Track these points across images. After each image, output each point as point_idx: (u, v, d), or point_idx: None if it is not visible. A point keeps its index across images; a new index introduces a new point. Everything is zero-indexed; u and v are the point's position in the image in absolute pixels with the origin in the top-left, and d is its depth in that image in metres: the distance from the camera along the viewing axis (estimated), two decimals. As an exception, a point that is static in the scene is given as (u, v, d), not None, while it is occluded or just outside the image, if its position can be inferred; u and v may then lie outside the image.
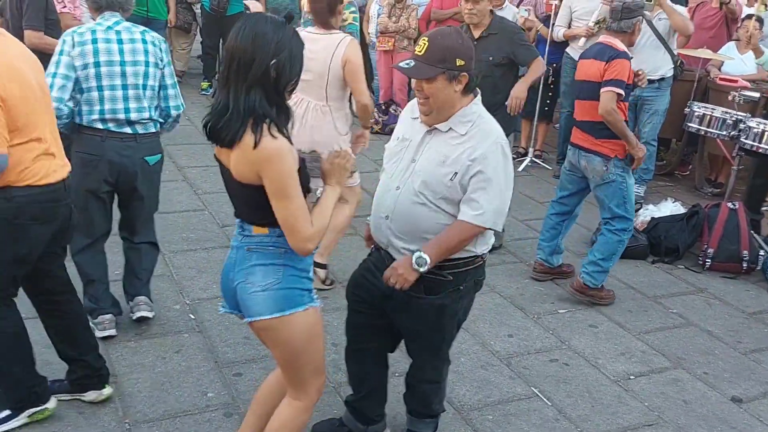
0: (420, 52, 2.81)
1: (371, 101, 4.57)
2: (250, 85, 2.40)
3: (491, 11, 5.15)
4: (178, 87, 4.05)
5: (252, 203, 2.53)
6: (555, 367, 4.15)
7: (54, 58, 3.66)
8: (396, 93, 8.73)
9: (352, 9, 7.03)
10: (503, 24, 5.15)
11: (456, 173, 2.83)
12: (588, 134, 4.75)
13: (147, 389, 3.58)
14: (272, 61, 2.40)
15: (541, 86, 7.47)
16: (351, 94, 4.58)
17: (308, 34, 4.42)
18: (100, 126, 3.74)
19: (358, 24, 7.24)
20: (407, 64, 2.85)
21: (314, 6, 4.46)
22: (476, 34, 5.03)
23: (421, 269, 2.83)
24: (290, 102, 4.21)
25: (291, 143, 2.47)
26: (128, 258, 4.16)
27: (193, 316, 4.26)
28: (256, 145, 2.37)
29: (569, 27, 7.28)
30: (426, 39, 2.83)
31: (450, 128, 2.89)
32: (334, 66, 4.37)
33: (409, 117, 3.07)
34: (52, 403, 3.32)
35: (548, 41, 7.50)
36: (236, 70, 2.41)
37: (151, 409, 3.45)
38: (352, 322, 3.24)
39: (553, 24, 7.44)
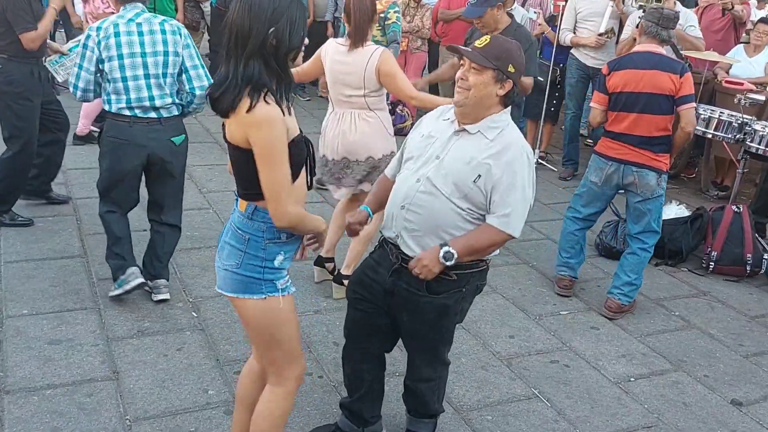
0: (480, 45, 2.91)
1: (419, 95, 4.44)
2: (248, 55, 2.42)
3: (509, 14, 5.11)
4: (202, 67, 4.27)
5: (240, 169, 2.58)
6: (555, 368, 4.15)
7: (79, 49, 4.09)
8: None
9: (396, 9, 7.05)
10: (518, 33, 4.95)
11: (480, 176, 2.87)
12: (644, 149, 4.63)
13: (148, 386, 3.61)
14: (270, 29, 2.41)
15: (547, 87, 7.47)
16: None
17: (340, 47, 4.37)
18: (127, 113, 4.08)
19: (400, 23, 7.27)
20: (467, 49, 2.96)
21: (356, 17, 4.28)
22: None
23: (447, 263, 2.85)
24: (330, 119, 4.16)
25: (286, 114, 2.48)
26: (153, 239, 4.44)
27: (195, 314, 4.29)
28: (249, 109, 2.40)
29: (574, 29, 7.27)
30: (489, 37, 2.95)
31: (479, 131, 2.93)
32: (369, 78, 4.30)
33: (437, 117, 3.11)
34: None
35: (555, 43, 7.50)
36: (234, 42, 2.43)
37: (152, 406, 3.47)
38: (352, 319, 3.24)
39: (560, 27, 7.43)
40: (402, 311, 3.07)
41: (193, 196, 6.04)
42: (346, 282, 4.61)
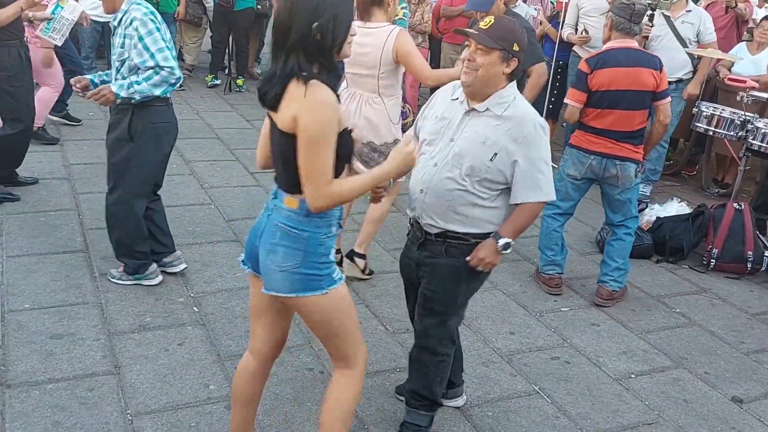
0: (484, 26, 2.98)
1: (433, 73, 4.61)
2: (290, 50, 2.45)
3: (505, 5, 5.14)
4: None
5: (288, 159, 2.53)
6: (556, 364, 4.16)
7: (154, 35, 4.02)
8: (407, 90, 8.73)
9: (403, 5, 7.06)
10: (517, 19, 5.07)
11: (496, 154, 2.99)
12: (625, 143, 4.67)
13: (149, 381, 3.61)
14: (314, 24, 2.43)
15: (549, 84, 7.46)
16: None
17: (359, 28, 4.39)
18: (167, 95, 4.22)
19: (407, 19, 7.28)
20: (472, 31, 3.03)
21: None
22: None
23: (507, 251, 3.05)
24: (342, 96, 4.31)
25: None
26: (154, 219, 4.54)
27: (197, 309, 4.29)
28: (305, 92, 2.41)
29: (577, 25, 7.26)
30: (492, 18, 3.02)
31: (487, 108, 3.03)
32: (385, 58, 4.41)
33: (449, 97, 3.19)
34: None
35: (557, 40, 7.49)
36: (279, 39, 2.48)
37: (153, 400, 3.48)
38: (408, 298, 3.50)
39: (562, 22, 7.43)
40: (423, 278, 3.22)
41: (194, 192, 6.05)
42: (357, 259, 4.83)
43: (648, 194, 6.92)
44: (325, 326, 2.73)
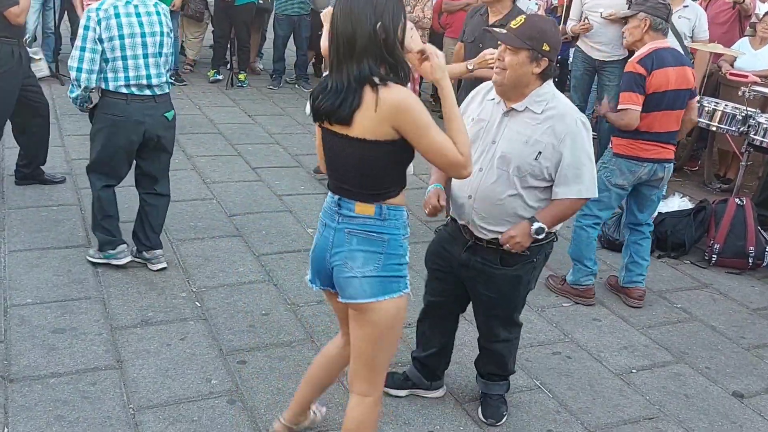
0: (515, 26, 2.99)
1: None
2: (359, 56, 2.44)
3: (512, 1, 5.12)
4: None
5: (372, 168, 2.54)
6: (557, 359, 4.16)
7: (80, 32, 4.17)
8: (411, 86, 8.71)
9: None
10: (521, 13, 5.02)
11: (540, 153, 3.01)
12: (671, 144, 4.62)
13: (152, 375, 3.62)
14: (378, 25, 2.42)
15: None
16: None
17: None
18: (124, 90, 4.26)
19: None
20: (501, 30, 3.07)
21: None
22: (492, 19, 4.87)
23: (539, 237, 3.05)
24: None
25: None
26: (146, 212, 4.61)
27: (198, 304, 4.30)
28: (377, 99, 2.41)
29: (581, 20, 7.24)
30: (524, 17, 3.04)
31: (526, 107, 3.04)
32: None
33: (484, 98, 3.21)
34: None
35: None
36: (344, 50, 2.46)
37: (156, 395, 3.49)
38: (432, 287, 3.50)
39: (565, 16, 7.41)
40: (477, 283, 3.25)
41: (196, 187, 6.06)
42: None
43: (663, 193, 6.85)
44: (382, 335, 2.66)
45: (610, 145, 4.76)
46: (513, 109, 3.05)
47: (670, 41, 6.56)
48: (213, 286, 4.52)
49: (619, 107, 4.56)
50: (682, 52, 4.91)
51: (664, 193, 4.82)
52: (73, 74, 4.19)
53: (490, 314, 3.36)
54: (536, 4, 7.94)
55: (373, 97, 2.42)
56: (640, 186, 4.73)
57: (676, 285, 5.31)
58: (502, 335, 3.41)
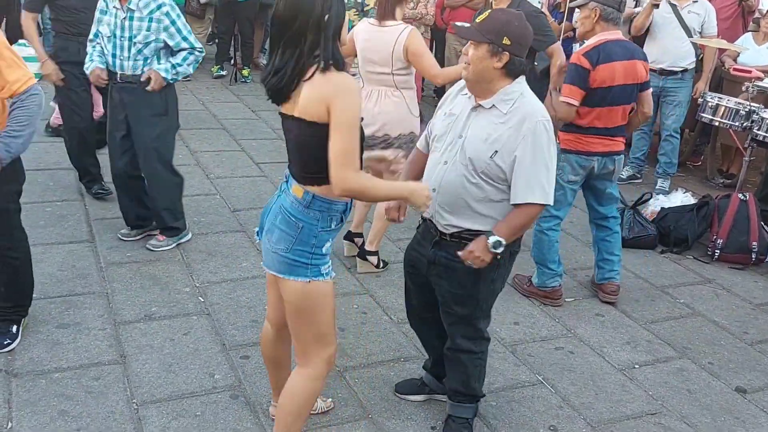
0: (479, 20, 2.97)
1: (442, 72, 4.66)
2: (299, 40, 2.48)
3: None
4: None
5: (307, 147, 2.59)
6: (560, 354, 4.17)
7: (183, 19, 4.53)
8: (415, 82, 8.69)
9: None
10: (523, 5, 5.01)
11: (497, 152, 2.95)
12: (619, 137, 4.55)
13: (155, 370, 3.63)
14: (326, 16, 2.48)
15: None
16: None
17: (370, 26, 4.56)
18: None
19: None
20: (464, 24, 3.07)
21: None
22: None
23: (498, 251, 2.95)
24: (362, 93, 4.23)
25: None
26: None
27: (202, 299, 4.31)
28: (321, 81, 2.46)
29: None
30: (489, 11, 3.01)
31: (493, 105, 3.00)
32: (396, 56, 4.45)
33: (459, 93, 3.19)
34: None
35: (561, 35, 7.46)
36: (283, 31, 2.51)
37: (159, 389, 3.50)
38: (409, 291, 3.48)
39: (568, 12, 7.38)
40: (441, 279, 3.19)
41: (199, 182, 6.06)
42: (369, 257, 4.87)
43: (667, 189, 6.78)
44: (296, 313, 2.77)
45: (558, 141, 4.65)
46: (480, 105, 3.01)
47: (680, 36, 6.61)
48: (216, 281, 4.53)
49: (559, 99, 4.48)
50: (679, 45, 4.84)
51: (616, 186, 4.73)
52: (201, 53, 4.61)
53: (452, 314, 3.22)
54: (539, 2, 7.90)
55: (318, 79, 2.47)
56: (592, 180, 4.65)
57: (679, 280, 5.31)
58: (465, 345, 3.26)
